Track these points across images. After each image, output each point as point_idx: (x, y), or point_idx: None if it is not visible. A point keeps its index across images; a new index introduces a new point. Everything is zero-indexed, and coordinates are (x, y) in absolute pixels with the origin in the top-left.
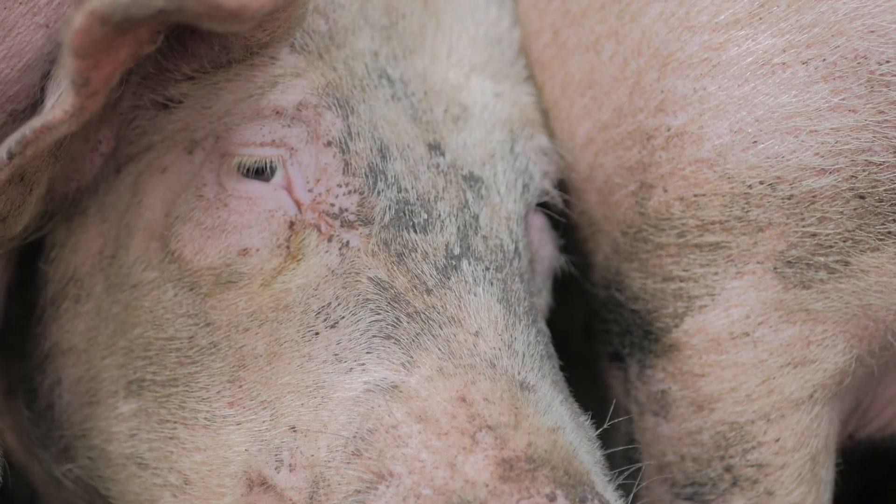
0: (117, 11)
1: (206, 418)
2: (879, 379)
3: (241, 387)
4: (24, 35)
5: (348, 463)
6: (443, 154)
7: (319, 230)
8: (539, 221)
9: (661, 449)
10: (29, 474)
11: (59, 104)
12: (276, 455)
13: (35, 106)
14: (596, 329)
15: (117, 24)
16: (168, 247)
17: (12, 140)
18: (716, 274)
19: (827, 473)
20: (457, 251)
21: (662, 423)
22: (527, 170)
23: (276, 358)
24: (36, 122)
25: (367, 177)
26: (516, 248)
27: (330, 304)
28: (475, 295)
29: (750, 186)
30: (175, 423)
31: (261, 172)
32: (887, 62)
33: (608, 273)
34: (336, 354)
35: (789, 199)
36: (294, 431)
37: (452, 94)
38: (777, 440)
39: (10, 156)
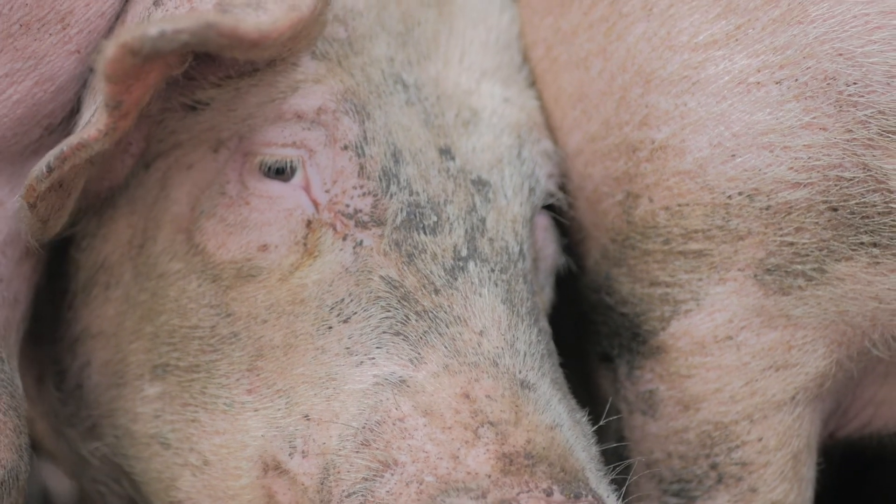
0: (146, 45)
1: (225, 404)
2: (858, 381)
3: (258, 375)
4: (56, 62)
5: (357, 452)
6: (453, 158)
7: (335, 229)
8: (544, 221)
9: (649, 447)
10: (56, 460)
11: (94, 124)
12: (291, 442)
13: (71, 116)
14: (586, 330)
15: (146, 55)
16: (193, 240)
17: (51, 155)
18: (700, 280)
19: (808, 471)
20: (464, 253)
21: (650, 422)
22: (533, 174)
23: (291, 349)
24: (73, 140)
25: (380, 180)
26: (521, 250)
27: (343, 300)
28: (480, 295)
29: (729, 197)
30: (197, 406)
31: (281, 172)
32: (854, 84)
33: (598, 277)
34: (348, 348)
35: (767, 209)
36: (307, 420)
37: (463, 99)
38: (760, 440)
39: (50, 169)
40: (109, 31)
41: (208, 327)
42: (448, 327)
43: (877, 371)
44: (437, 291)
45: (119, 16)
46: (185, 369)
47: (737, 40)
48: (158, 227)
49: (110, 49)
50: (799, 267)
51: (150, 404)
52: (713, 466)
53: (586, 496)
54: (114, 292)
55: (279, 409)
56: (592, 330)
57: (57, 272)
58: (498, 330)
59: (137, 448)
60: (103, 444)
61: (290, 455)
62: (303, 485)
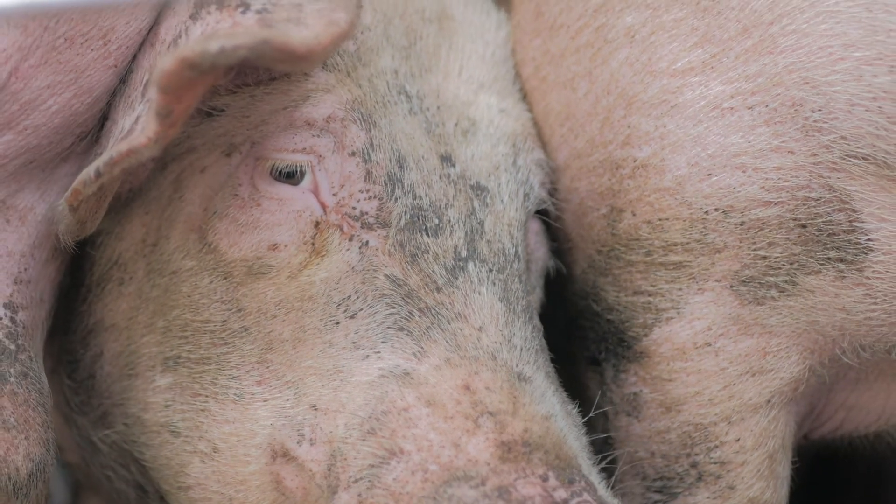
0: (206, 60)
1: (235, 394)
2: (831, 386)
3: (268, 367)
4: (95, 75)
5: (363, 440)
6: (453, 165)
7: (342, 230)
8: (536, 226)
9: (633, 446)
10: (63, 451)
11: (144, 131)
12: (299, 430)
13: (99, 123)
14: (574, 335)
15: (205, 69)
16: (206, 239)
17: (101, 161)
18: (680, 290)
19: (784, 470)
20: (464, 254)
21: (634, 423)
22: (527, 181)
23: (300, 343)
24: (122, 147)
25: (385, 185)
26: (516, 252)
27: (350, 296)
28: (479, 294)
29: (706, 213)
30: (207, 396)
31: (291, 176)
32: (819, 110)
33: (585, 285)
34: (354, 342)
35: (741, 225)
36: (315, 410)
37: (462, 109)
38: (737, 440)
39: (98, 175)
40: (141, 45)
41: (219, 321)
42: (449, 323)
43: (848, 377)
44: (438, 290)
45: (151, 29)
46: (196, 361)
47: (712, 68)
48: (172, 227)
49: (168, 62)
50: (772, 279)
51: (161, 394)
52: (693, 465)
53: (579, 481)
54: (127, 287)
55: (288, 400)
56: (580, 335)
57: (70, 268)
58: (496, 326)
59: (148, 436)
60: (113, 432)
61: (298, 443)
62: (310, 471)
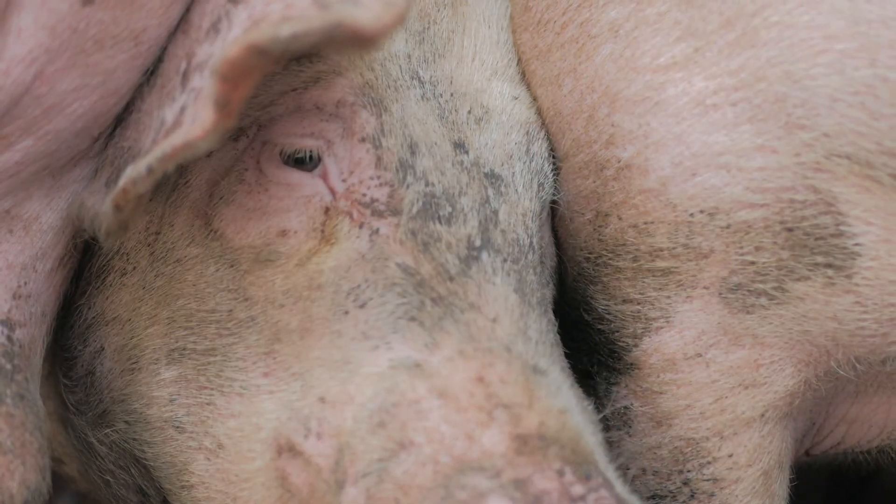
0: (277, 46)
1: (241, 387)
2: (830, 400)
3: (275, 359)
4: (124, 76)
5: (373, 433)
6: (466, 152)
7: (352, 217)
8: (550, 219)
9: (624, 462)
10: (61, 464)
11: (199, 123)
12: (305, 424)
13: (114, 121)
14: (568, 347)
15: (276, 56)
16: (211, 225)
17: (153, 157)
18: (668, 298)
19: (780, 488)
20: (478, 243)
21: (626, 438)
22: (541, 170)
23: (308, 333)
24: (177, 140)
25: (397, 171)
26: (531, 243)
27: (360, 285)
28: (493, 284)
29: (692, 215)
30: (212, 390)
31: (299, 161)
32: (801, 106)
33: (576, 295)
34: (364, 332)
35: (727, 228)
36: (323, 402)
37: (476, 96)
38: (730, 456)
39: (151, 171)
40: (168, 39)
41: (225, 311)
42: (462, 314)
43: (847, 390)
44: (451, 279)
45: (182, 17)
46: (201, 353)
47: (695, 62)
48: (176, 214)
49: (233, 50)
50: (760, 286)
51: (165, 388)
52: (686, 482)
53: (596, 477)
54: (130, 278)
55: (295, 392)
56: (573, 347)
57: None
58: (510, 317)
59: (151, 432)
60: (113, 431)
61: (304, 437)
62: (317, 465)
